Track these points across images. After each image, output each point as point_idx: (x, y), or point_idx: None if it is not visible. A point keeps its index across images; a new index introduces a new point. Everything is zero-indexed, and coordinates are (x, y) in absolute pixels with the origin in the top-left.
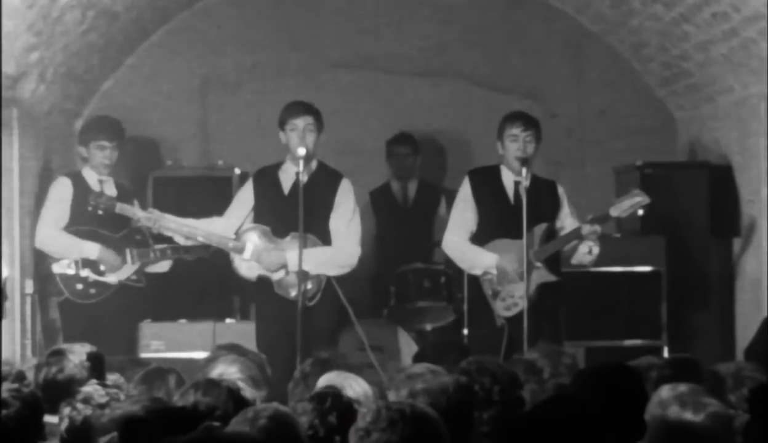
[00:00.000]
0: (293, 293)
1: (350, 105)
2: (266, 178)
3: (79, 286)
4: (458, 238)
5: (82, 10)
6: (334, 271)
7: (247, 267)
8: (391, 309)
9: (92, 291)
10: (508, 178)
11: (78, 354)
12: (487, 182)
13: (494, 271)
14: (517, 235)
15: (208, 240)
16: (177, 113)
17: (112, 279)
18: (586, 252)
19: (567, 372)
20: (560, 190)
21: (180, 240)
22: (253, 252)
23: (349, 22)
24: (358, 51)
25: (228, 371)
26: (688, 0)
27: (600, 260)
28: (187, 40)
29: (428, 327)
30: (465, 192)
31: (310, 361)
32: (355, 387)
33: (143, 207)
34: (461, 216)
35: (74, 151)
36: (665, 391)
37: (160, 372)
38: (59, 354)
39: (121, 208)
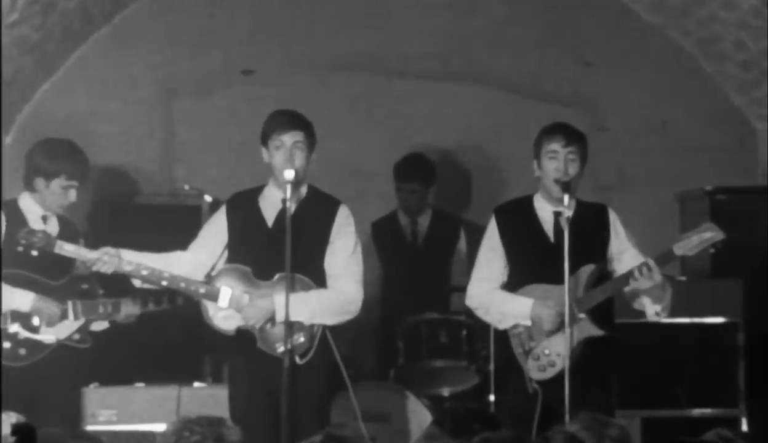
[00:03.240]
0: (281, 349)
1: (351, 115)
2: (243, 207)
3: (6, 345)
4: (484, 288)
5: None
6: (332, 320)
7: (223, 317)
8: (399, 370)
9: (22, 351)
10: (544, 210)
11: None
12: (518, 218)
13: (527, 322)
14: (558, 280)
15: (175, 286)
16: (133, 126)
17: (48, 337)
18: (652, 315)
19: None
20: (612, 217)
21: (137, 284)
22: (231, 300)
23: (351, 14)
24: (361, 49)
25: None
26: None
27: None
28: (146, 34)
29: (445, 391)
30: (491, 235)
31: (321, 436)
32: None
33: (91, 247)
34: (488, 264)
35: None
36: None
37: None
38: None
39: (61, 246)
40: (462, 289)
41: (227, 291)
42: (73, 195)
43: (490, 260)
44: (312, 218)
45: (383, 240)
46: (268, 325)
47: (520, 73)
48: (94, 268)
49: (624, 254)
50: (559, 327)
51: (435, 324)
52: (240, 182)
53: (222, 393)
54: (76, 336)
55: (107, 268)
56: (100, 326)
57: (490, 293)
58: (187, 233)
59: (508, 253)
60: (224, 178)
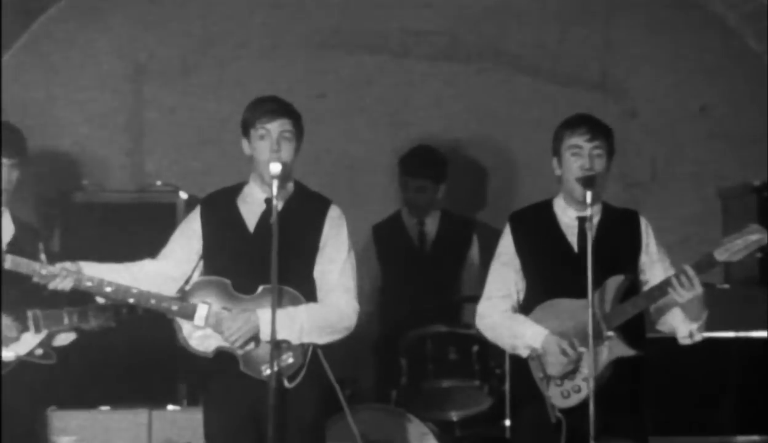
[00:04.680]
0: (268, 371)
1: (348, 101)
2: (220, 209)
3: None
4: (496, 309)
5: None
6: (323, 338)
7: (200, 337)
8: (401, 391)
9: None
10: (566, 215)
11: None
12: (536, 226)
13: (540, 351)
14: (584, 294)
15: (144, 304)
16: (97, 114)
17: (7, 353)
18: (685, 336)
19: None
20: (644, 224)
21: (100, 301)
22: (208, 317)
23: None
24: (359, 27)
25: None
26: None
27: None
28: (112, 8)
29: (454, 416)
30: (505, 246)
31: None
32: None
33: (50, 253)
34: (500, 280)
35: None
36: None
37: None
38: None
39: (13, 261)
40: (473, 300)
41: (204, 307)
42: (4, 174)
43: (504, 275)
44: (299, 221)
45: (386, 245)
46: (252, 345)
47: (538, 52)
48: (51, 286)
49: (654, 267)
50: (568, 373)
51: (442, 338)
52: (220, 177)
53: (198, 417)
54: (39, 352)
55: (65, 285)
56: (66, 339)
57: (501, 316)
58: (159, 236)
59: (525, 266)
60: (202, 173)
